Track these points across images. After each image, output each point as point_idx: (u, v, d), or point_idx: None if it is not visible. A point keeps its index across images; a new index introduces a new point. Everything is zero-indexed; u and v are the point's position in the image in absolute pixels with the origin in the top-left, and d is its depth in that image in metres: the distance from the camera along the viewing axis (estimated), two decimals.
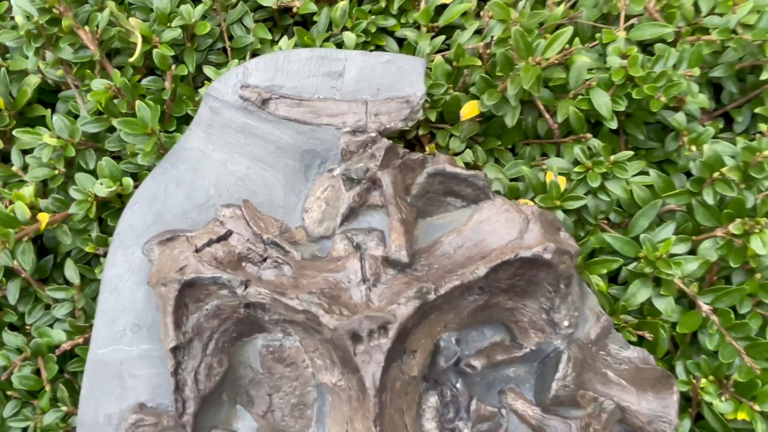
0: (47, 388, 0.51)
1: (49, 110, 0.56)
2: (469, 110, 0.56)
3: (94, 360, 0.46)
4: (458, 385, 0.45)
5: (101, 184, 0.51)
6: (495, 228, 0.43)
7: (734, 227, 0.50)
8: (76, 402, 0.52)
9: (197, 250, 0.43)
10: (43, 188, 0.55)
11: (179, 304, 0.42)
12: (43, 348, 0.51)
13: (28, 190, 0.51)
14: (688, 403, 0.53)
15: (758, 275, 0.52)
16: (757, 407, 0.49)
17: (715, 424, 0.50)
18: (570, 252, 0.42)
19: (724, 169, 0.51)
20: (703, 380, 0.50)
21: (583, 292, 0.47)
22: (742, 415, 0.48)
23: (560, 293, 0.42)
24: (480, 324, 0.45)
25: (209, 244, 0.44)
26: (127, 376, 0.46)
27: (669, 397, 0.43)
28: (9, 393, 0.52)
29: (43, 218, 0.49)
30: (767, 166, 0.49)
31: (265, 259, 0.44)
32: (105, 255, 0.50)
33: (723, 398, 0.50)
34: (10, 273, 0.52)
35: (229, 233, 0.45)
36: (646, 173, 0.55)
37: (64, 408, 0.51)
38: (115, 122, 0.50)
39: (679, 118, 0.56)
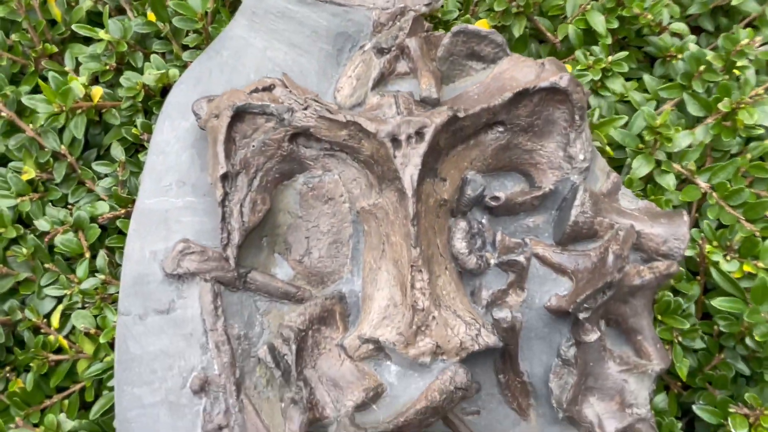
0: (87, 254, 0.53)
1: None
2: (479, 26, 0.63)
3: (141, 208, 0.49)
4: (484, 221, 0.48)
5: (149, 74, 0.56)
6: (514, 74, 0.48)
7: (723, 105, 0.56)
8: (114, 273, 0.54)
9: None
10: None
11: (229, 136, 0.46)
12: (84, 221, 0.54)
13: (81, 78, 0.56)
14: (696, 274, 0.56)
15: (749, 155, 0.57)
16: (760, 264, 0.52)
17: (724, 284, 0.53)
18: (582, 85, 0.47)
19: (708, 57, 0.57)
20: (708, 246, 0.54)
21: (594, 150, 0.51)
22: (747, 268, 0.52)
23: (575, 127, 0.47)
24: (502, 169, 0.49)
25: (256, 90, 0.48)
26: (172, 221, 0.49)
27: (680, 220, 0.46)
28: (47, 266, 0.54)
29: (97, 92, 0.53)
30: (747, 50, 0.56)
31: (306, 108, 0.49)
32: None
33: (728, 258, 0.53)
34: (57, 156, 0.56)
35: (273, 86, 0.49)
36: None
37: (102, 276, 0.53)
38: (170, 1, 0.55)
39: (664, 38, 0.63)
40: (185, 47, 0.59)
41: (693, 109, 0.58)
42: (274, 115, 0.46)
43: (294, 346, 0.44)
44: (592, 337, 0.45)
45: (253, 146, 0.47)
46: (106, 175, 0.56)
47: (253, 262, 0.48)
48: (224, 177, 0.46)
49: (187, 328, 0.46)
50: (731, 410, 0.51)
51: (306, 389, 0.44)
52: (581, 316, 0.44)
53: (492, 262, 0.47)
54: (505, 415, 0.48)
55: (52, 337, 0.51)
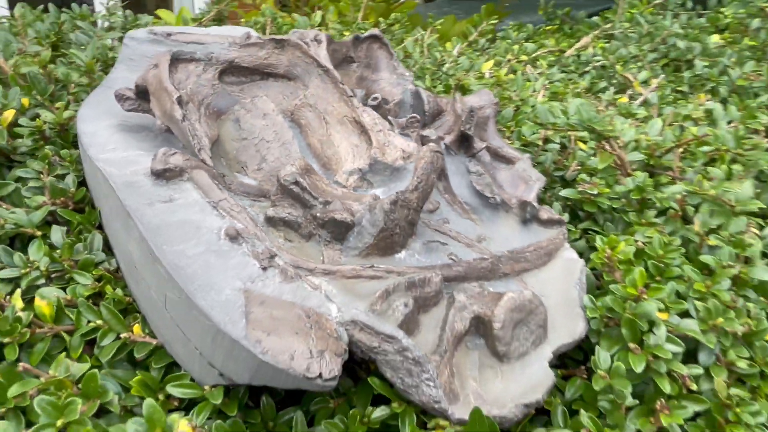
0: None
1: None
2: None
3: (102, 158, 0.51)
4: None
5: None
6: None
7: None
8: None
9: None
10: None
11: (171, 72, 0.55)
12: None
13: None
14: None
15: None
16: None
17: None
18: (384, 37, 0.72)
19: None
20: None
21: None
22: None
23: (394, 59, 0.71)
24: (368, 96, 0.68)
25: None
26: (132, 161, 0.51)
27: (485, 91, 0.71)
28: None
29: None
30: None
31: (229, 46, 0.61)
32: None
33: None
34: None
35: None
36: None
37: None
38: None
39: None
40: None
41: None
42: (203, 59, 0.57)
43: (306, 178, 0.50)
44: (481, 145, 0.63)
45: (190, 88, 0.56)
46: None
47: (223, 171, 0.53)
48: (179, 100, 0.53)
49: (195, 208, 0.48)
50: None
51: (325, 205, 0.49)
52: (470, 131, 0.63)
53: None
54: (464, 223, 0.59)
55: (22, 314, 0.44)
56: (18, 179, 0.57)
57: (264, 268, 0.45)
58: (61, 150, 0.60)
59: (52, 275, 0.48)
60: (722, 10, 1.32)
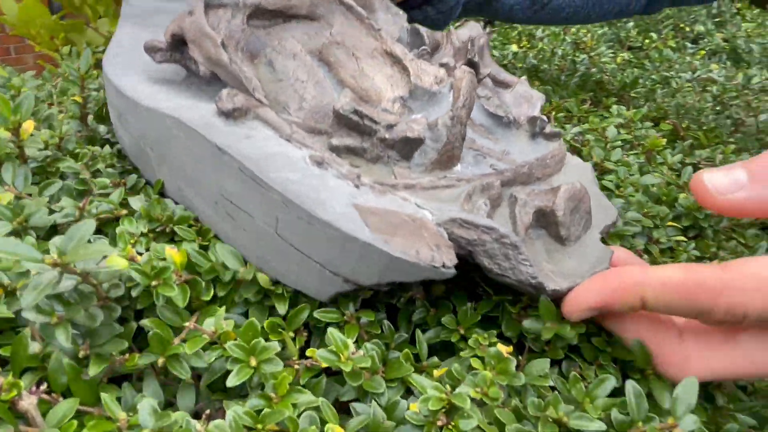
0: None
1: None
2: None
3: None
4: None
5: None
6: None
7: None
8: None
9: None
10: None
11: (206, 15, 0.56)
12: None
13: None
14: None
15: None
16: None
17: None
18: None
19: None
20: None
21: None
22: None
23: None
24: None
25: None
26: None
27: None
28: None
29: None
30: None
31: None
32: None
33: None
34: None
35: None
36: None
37: None
38: None
39: None
40: None
41: None
42: (230, 5, 0.58)
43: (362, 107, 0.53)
44: (486, 71, 0.69)
45: (224, 33, 0.57)
46: None
47: None
48: (222, 44, 0.55)
49: (273, 141, 0.50)
50: None
51: (389, 128, 0.53)
52: (476, 59, 0.68)
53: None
54: (485, 142, 0.65)
55: None
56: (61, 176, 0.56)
57: (357, 186, 0.48)
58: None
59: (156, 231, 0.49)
60: None
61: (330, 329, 0.43)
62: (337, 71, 0.62)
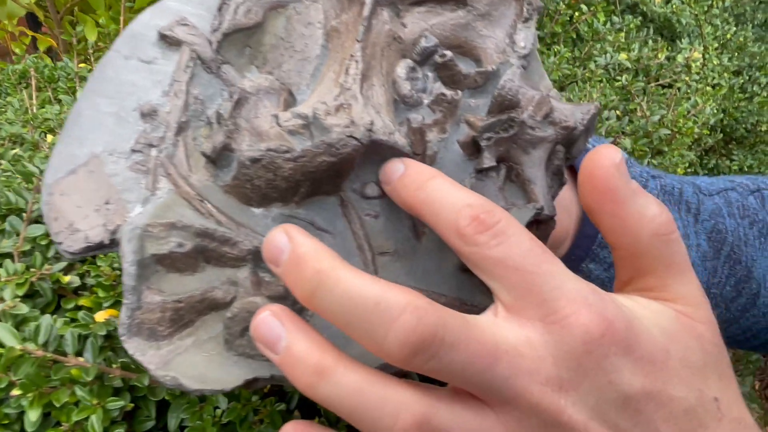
0: None
1: None
2: None
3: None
4: (429, 74, 0.56)
5: None
6: None
7: None
8: None
9: None
10: None
11: None
12: None
13: None
14: None
15: None
16: None
17: None
18: None
19: None
20: None
21: (535, 52, 0.58)
22: None
23: (523, 19, 0.56)
24: (456, 50, 0.58)
25: None
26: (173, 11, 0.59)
27: (590, 105, 0.53)
28: None
29: None
30: None
31: None
32: None
33: None
34: None
35: None
36: None
37: None
38: None
39: None
40: None
41: None
42: None
43: (236, 97, 0.51)
44: (488, 163, 0.50)
45: None
46: None
47: (231, 59, 0.57)
48: None
49: (158, 76, 0.54)
50: None
51: (234, 128, 0.49)
52: (483, 144, 0.50)
53: (425, 101, 0.54)
54: (400, 229, 0.50)
55: None
56: None
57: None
58: None
59: None
60: None
61: None
62: (325, 64, 0.56)
